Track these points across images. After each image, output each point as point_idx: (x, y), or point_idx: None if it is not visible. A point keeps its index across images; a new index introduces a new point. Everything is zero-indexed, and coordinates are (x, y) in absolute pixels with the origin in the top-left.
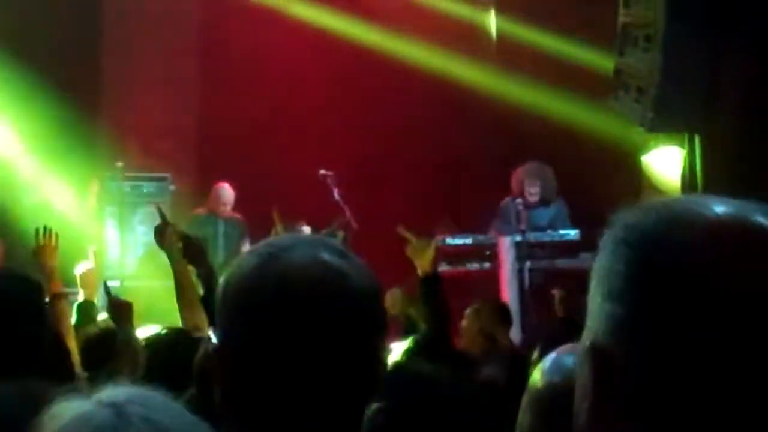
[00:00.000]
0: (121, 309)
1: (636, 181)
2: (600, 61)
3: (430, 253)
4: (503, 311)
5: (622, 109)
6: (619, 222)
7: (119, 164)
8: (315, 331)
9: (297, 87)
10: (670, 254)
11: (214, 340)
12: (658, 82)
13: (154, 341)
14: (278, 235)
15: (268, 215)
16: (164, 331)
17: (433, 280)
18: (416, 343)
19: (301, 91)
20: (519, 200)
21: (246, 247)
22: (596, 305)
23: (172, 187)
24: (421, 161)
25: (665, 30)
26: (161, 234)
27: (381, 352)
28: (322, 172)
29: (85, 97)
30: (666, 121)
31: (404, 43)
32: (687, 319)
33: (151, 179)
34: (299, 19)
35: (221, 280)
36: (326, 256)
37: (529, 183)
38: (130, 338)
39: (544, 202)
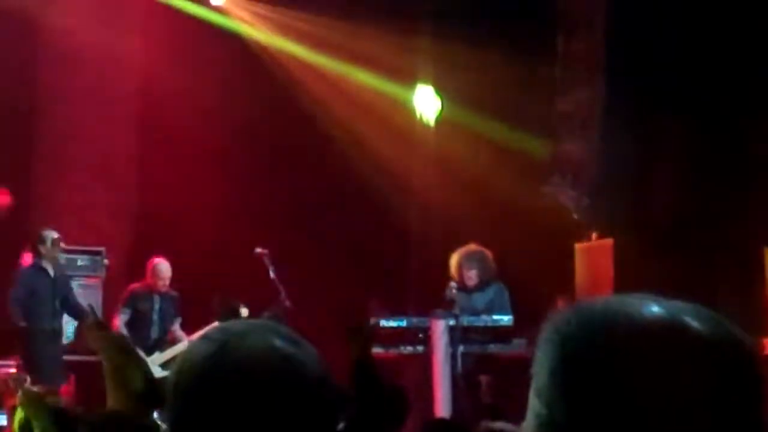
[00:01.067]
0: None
1: (570, 267)
2: (536, 146)
3: (362, 336)
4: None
5: (558, 194)
6: (552, 321)
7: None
8: (270, 421)
9: (226, 163)
10: (591, 354)
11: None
12: (595, 170)
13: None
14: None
15: (203, 291)
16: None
17: (365, 364)
18: (349, 425)
19: (232, 167)
20: (453, 284)
21: (177, 323)
22: (531, 400)
23: (106, 261)
24: (353, 239)
25: (602, 119)
26: (90, 334)
27: None
28: (258, 250)
29: (19, 166)
30: (600, 209)
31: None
32: (598, 421)
33: (85, 252)
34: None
35: (174, 365)
36: (280, 343)
37: (467, 267)
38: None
39: (482, 285)
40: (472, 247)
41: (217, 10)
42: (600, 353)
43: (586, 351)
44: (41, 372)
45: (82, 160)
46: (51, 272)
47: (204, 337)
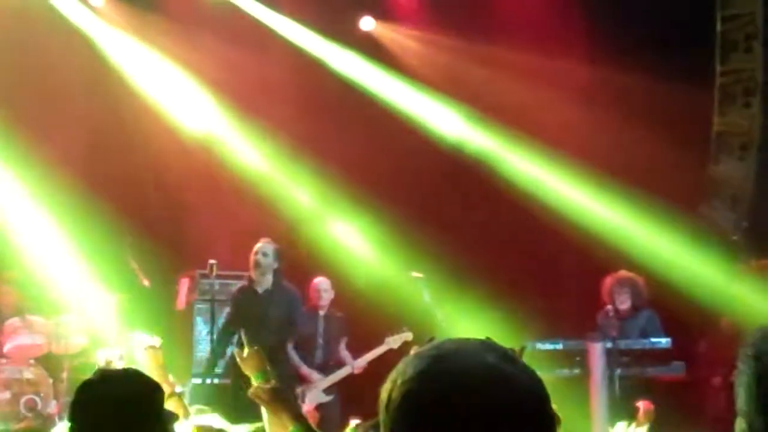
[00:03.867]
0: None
1: (726, 293)
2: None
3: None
4: None
5: (715, 217)
6: (748, 340)
7: (212, 261)
8: None
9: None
10: None
11: None
12: (753, 191)
13: None
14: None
15: (360, 316)
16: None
17: None
18: None
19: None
20: (609, 307)
21: (344, 342)
22: (737, 421)
23: None
24: (507, 261)
25: (761, 140)
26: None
27: None
28: (414, 273)
29: (175, 195)
30: (759, 231)
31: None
32: None
33: (240, 277)
34: None
35: (387, 382)
36: (493, 360)
37: (619, 292)
38: None
39: (633, 311)
40: (624, 273)
41: None
42: None
43: None
44: None
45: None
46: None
47: (417, 354)
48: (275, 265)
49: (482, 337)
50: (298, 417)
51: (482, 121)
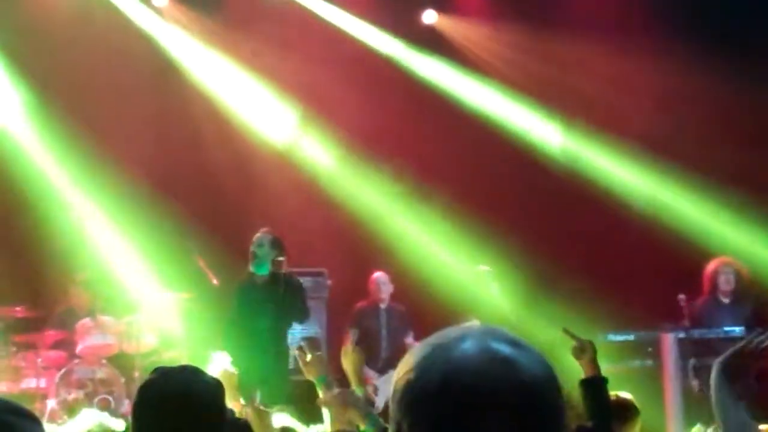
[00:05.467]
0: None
1: None
2: None
3: (590, 354)
4: None
5: None
6: None
7: (280, 258)
8: (483, 425)
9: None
10: None
11: None
12: None
13: None
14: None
15: (425, 309)
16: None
17: (596, 380)
18: None
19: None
20: (682, 296)
21: (410, 336)
22: None
23: (329, 282)
24: (580, 251)
25: None
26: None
27: None
28: (481, 267)
29: (239, 190)
30: None
31: None
32: None
33: (308, 274)
34: None
35: (395, 373)
36: (498, 345)
37: (724, 272)
38: None
39: (735, 299)
40: (729, 258)
41: None
42: None
43: None
44: None
45: (301, 182)
46: None
47: (423, 343)
48: (272, 255)
49: (556, 330)
50: (368, 415)
51: (549, 113)
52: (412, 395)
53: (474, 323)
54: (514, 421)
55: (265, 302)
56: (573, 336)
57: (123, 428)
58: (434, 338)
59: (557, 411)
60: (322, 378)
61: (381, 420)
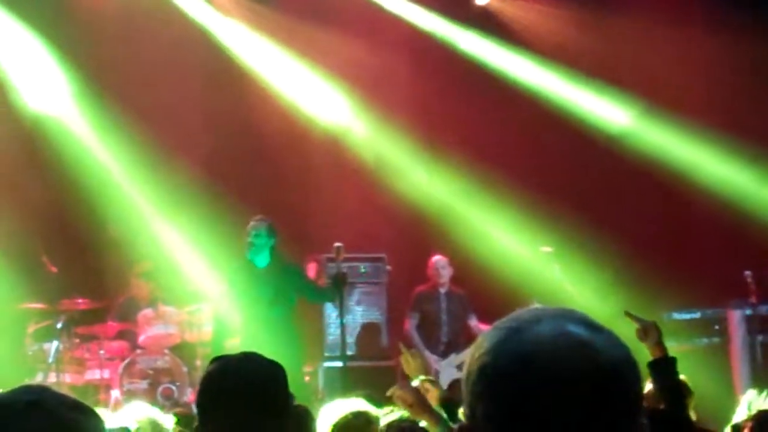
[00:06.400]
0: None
1: None
2: None
3: (654, 335)
4: None
5: None
6: None
7: (338, 244)
8: (560, 409)
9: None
10: None
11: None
12: None
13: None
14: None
15: (483, 292)
16: (351, 414)
17: (664, 361)
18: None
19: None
20: (748, 273)
21: (474, 320)
22: None
23: (388, 267)
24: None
25: None
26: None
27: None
28: (544, 248)
29: (299, 180)
30: None
31: None
32: None
33: (367, 259)
34: None
35: (467, 356)
36: (573, 328)
37: None
38: None
39: None
40: None
41: None
42: None
43: None
44: None
45: (358, 168)
46: None
47: (495, 326)
48: (271, 242)
49: (618, 310)
50: (441, 421)
51: (609, 92)
52: (488, 379)
53: (541, 306)
54: (594, 405)
55: (268, 290)
56: (636, 318)
57: (173, 423)
58: (507, 321)
59: (636, 394)
60: (422, 376)
61: (451, 424)
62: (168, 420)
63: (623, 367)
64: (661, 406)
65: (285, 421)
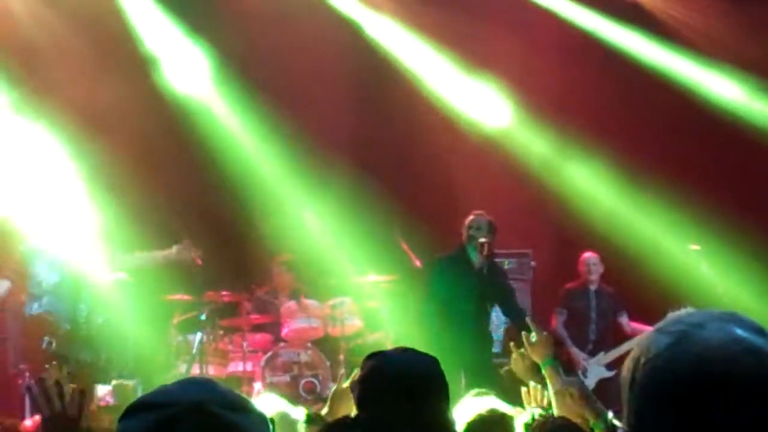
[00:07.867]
0: None
1: None
2: None
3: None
4: None
5: None
6: None
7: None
8: (736, 416)
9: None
10: None
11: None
12: None
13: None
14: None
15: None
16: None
17: None
18: None
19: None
20: None
21: (624, 317)
22: None
23: (533, 263)
24: None
25: None
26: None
27: None
28: (692, 246)
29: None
30: None
31: None
32: None
33: (513, 255)
34: None
35: (629, 361)
36: (742, 333)
37: None
38: None
39: None
40: None
41: None
42: None
43: None
44: None
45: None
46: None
47: (659, 330)
48: (489, 240)
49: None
50: (602, 413)
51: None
52: (661, 383)
53: (695, 308)
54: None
55: (471, 284)
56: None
57: (304, 417)
58: (670, 324)
59: None
60: (549, 360)
61: (611, 419)
62: (299, 413)
63: None
64: None
65: (443, 407)
